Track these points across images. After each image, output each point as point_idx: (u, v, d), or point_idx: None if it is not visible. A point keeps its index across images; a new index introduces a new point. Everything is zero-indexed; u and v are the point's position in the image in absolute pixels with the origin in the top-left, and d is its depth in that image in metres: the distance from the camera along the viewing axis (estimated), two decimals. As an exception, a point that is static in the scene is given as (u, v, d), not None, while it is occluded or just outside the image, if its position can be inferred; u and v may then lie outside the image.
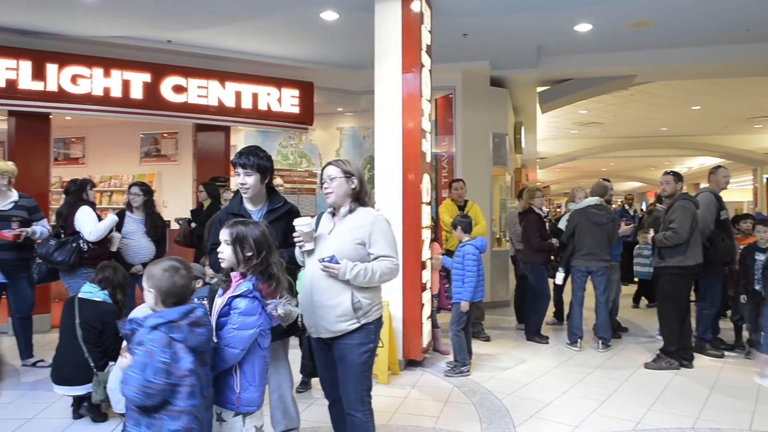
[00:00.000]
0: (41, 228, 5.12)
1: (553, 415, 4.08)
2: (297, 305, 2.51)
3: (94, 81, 6.77)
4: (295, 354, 4.11)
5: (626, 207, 10.78)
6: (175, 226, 7.19)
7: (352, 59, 7.58)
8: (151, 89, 7.09)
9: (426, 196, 5.29)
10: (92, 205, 5.22)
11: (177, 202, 8.58)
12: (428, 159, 5.45)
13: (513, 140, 10.10)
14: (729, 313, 6.22)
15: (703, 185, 6.20)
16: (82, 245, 4.95)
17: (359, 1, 5.54)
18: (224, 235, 2.45)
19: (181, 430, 2.13)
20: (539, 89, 9.60)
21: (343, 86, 8.58)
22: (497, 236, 8.62)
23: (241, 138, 9.33)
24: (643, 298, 8.41)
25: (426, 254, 5.30)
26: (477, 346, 5.74)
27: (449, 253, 5.76)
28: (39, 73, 6.48)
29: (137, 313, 2.79)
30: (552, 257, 6.56)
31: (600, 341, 5.88)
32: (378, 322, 2.88)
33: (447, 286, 5.70)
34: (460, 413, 4.11)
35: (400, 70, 5.13)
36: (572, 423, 3.93)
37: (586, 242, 5.89)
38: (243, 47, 7.26)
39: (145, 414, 2.15)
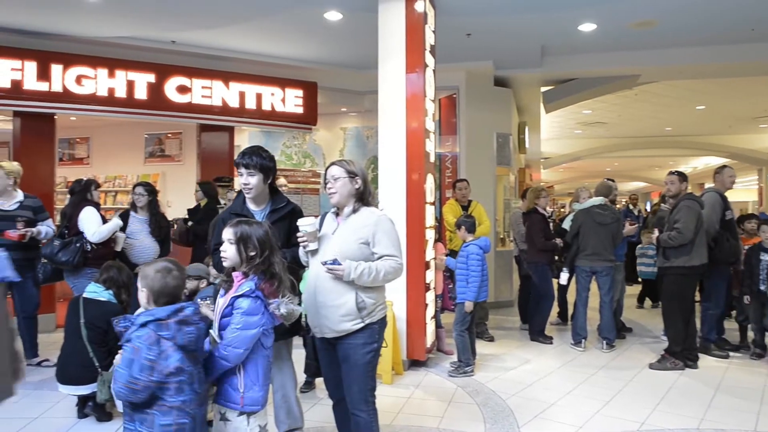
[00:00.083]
0: (46, 228, 5.14)
1: (557, 416, 4.08)
2: (299, 304, 2.51)
3: (99, 81, 6.79)
4: (299, 354, 4.11)
5: (630, 207, 10.75)
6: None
7: (355, 59, 7.59)
8: (156, 89, 7.10)
9: (430, 196, 5.28)
10: (96, 205, 5.24)
11: (181, 202, 8.57)
12: (432, 159, 5.45)
13: (517, 140, 10.09)
14: (734, 313, 6.20)
15: (708, 185, 6.17)
16: (85, 245, 4.97)
17: (363, 2, 5.54)
18: (228, 234, 2.45)
19: (172, 424, 2.18)
20: (543, 89, 9.58)
21: (347, 86, 8.59)
22: (501, 236, 8.61)
23: (245, 138, 9.35)
24: (647, 298, 8.38)
25: (430, 254, 5.30)
26: (481, 346, 5.74)
27: (453, 253, 5.76)
28: (44, 74, 6.51)
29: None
30: (556, 257, 6.55)
31: (604, 341, 5.86)
32: (382, 322, 2.88)
33: (450, 286, 5.70)
34: (464, 413, 4.11)
35: (404, 70, 5.13)
36: (576, 423, 3.92)
37: (590, 242, 5.88)
38: (247, 47, 7.28)
39: (137, 410, 2.20)
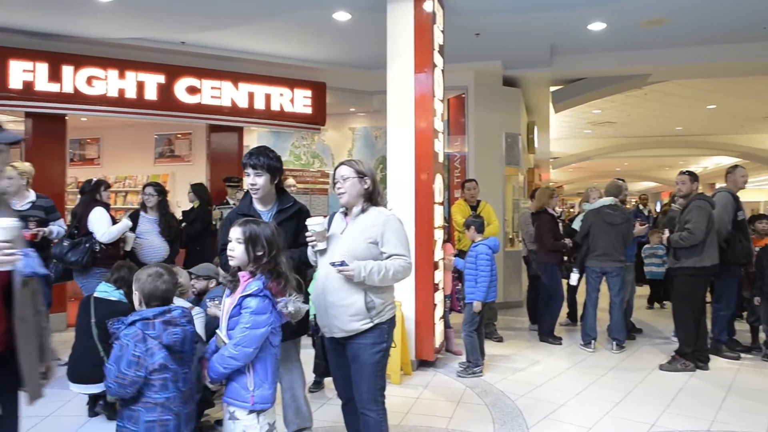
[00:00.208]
0: (58, 228, 5.18)
1: (566, 417, 4.06)
2: (305, 302, 2.52)
3: (109, 82, 6.83)
4: (307, 354, 4.12)
5: (640, 207, 10.69)
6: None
7: (364, 59, 7.59)
8: (165, 90, 7.14)
9: (438, 196, 5.28)
10: (106, 205, 5.28)
11: (190, 203, 8.63)
12: (441, 159, 5.45)
13: (526, 140, 10.06)
14: (745, 314, 6.15)
15: (719, 185, 6.12)
16: (95, 246, 5.01)
17: (371, 2, 5.54)
18: (236, 233, 2.46)
19: (156, 421, 2.29)
20: (552, 89, 9.55)
21: (356, 86, 8.59)
22: (510, 236, 8.59)
23: (254, 138, 9.37)
24: (653, 298, 8.34)
25: (438, 254, 5.29)
26: (490, 346, 5.72)
27: (462, 253, 5.75)
28: (55, 75, 6.56)
29: None
30: (565, 258, 6.52)
31: (614, 342, 5.83)
32: (391, 322, 2.88)
33: (459, 287, 5.69)
34: (473, 414, 4.10)
35: (413, 70, 5.12)
36: (586, 425, 3.90)
37: (600, 243, 5.85)
38: (256, 48, 7.30)
39: (125, 407, 2.32)
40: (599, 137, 16.80)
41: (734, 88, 10.58)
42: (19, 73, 6.40)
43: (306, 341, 3.84)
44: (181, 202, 8.96)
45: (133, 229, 5.33)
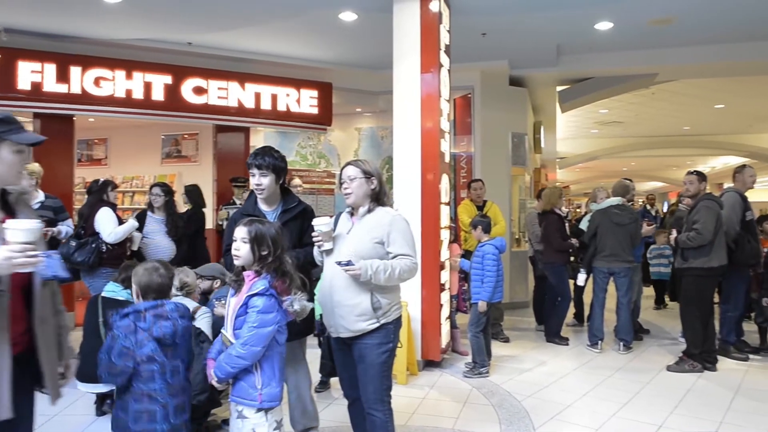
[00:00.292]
0: (66, 228, 5.21)
1: (573, 418, 4.05)
2: (309, 301, 2.54)
3: (117, 83, 6.87)
4: (313, 354, 4.13)
5: (648, 207, 10.64)
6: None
7: (370, 60, 7.59)
8: (172, 91, 7.17)
9: (445, 196, 5.27)
10: (113, 206, 5.30)
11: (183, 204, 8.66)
12: (447, 159, 5.44)
13: (532, 140, 10.03)
14: (753, 315, 6.11)
15: (727, 185, 6.08)
16: (101, 246, 5.03)
17: (378, 2, 5.54)
18: (241, 233, 2.47)
19: (143, 410, 2.42)
20: (559, 88, 9.52)
21: (362, 87, 8.59)
22: (516, 237, 8.56)
23: (260, 139, 9.39)
24: (666, 298, 8.30)
25: (445, 254, 5.29)
26: (496, 347, 5.71)
27: (468, 254, 5.74)
28: (63, 76, 6.60)
29: None
30: (572, 258, 6.50)
31: (621, 343, 5.81)
32: (397, 322, 2.88)
33: (465, 287, 5.68)
34: (479, 414, 4.10)
35: (419, 70, 5.12)
36: (593, 426, 3.89)
37: (608, 243, 5.83)
38: (262, 49, 7.32)
39: (119, 397, 2.48)
40: (606, 137, 16.73)
41: (742, 87, 10.51)
42: (27, 74, 6.44)
43: (312, 341, 3.84)
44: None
45: (140, 228, 5.36)
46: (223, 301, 3.51)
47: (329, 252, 2.87)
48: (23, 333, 1.92)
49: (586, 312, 6.79)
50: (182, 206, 6.73)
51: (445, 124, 5.35)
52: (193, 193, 6.51)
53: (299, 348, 3.36)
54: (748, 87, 10.49)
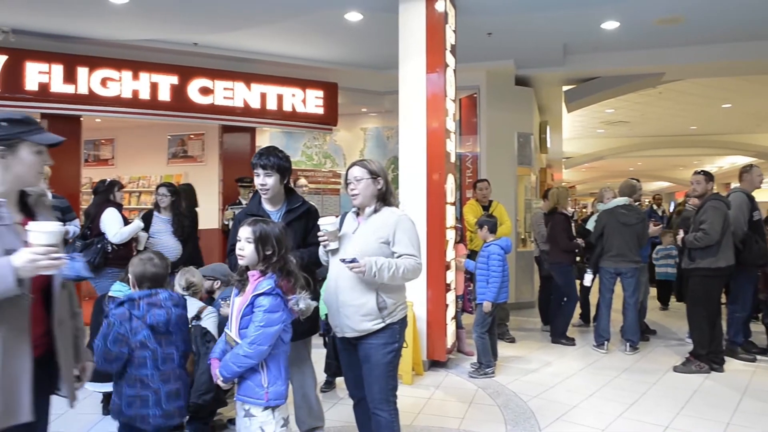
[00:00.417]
0: (74, 228, 5.23)
1: (579, 418, 4.04)
2: (313, 299, 2.55)
3: (123, 84, 6.90)
4: (319, 354, 4.13)
5: (654, 207, 10.60)
6: (202, 225, 7.24)
7: (376, 60, 7.60)
8: (179, 91, 7.20)
9: (450, 196, 5.27)
10: (119, 206, 5.32)
11: (203, 203, 8.67)
12: (452, 159, 5.43)
13: (538, 140, 10.01)
14: (761, 315, 6.07)
15: (734, 185, 6.05)
16: (106, 246, 5.05)
17: (383, 2, 5.54)
18: (246, 233, 2.48)
19: (135, 396, 2.55)
20: (565, 88, 9.49)
21: (367, 87, 8.60)
22: (522, 237, 8.55)
23: (266, 139, 9.41)
24: (673, 299, 8.27)
25: (450, 254, 5.28)
26: (502, 347, 5.69)
27: (474, 254, 5.73)
28: (70, 77, 6.63)
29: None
30: (578, 258, 6.48)
31: (628, 344, 5.78)
32: (403, 322, 2.87)
33: (470, 288, 5.67)
34: (485, 415, 4.09)
35: (425, 70, 5.12)
36: (599, 426, 3.88)
37: (615, 243, 5.80)
38: (268, 49, 7.33)
39: (116, 384, 2.60)
40: (612, 137, 16.67)
41: (750, 86, 10.46)
42: (35, 74, 6.48)
43: (317, 341, 3.85)
44: (193, 203, 9.02)
45: (146, 228, 5.37)
46: (228, 301, 3.52)
47: (335, 252, 2.87)
48: (43, 335, 1.91)
49: (592, 312, 6.77)
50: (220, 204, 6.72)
51: (451, 124, 5.35)
52: (187, 192, 6.52)
53: (304, 348, 3.36)
54: (756, 86, 10.43)
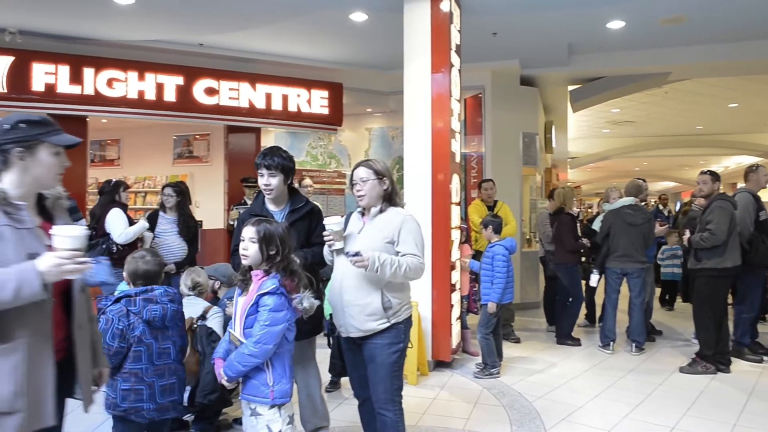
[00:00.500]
0: (80, 228, 5.25)
1: (584, 419, 4.02)
2: (315, 298, 2.56)
3: (129, 84, 6.93)
4: (323, 354, 4.14)
5: (660, 207, 10.56)
6: (207, 225, 7.29)
7: (381, 60, 7.60)
8: (184, 92, 7.22)
9: (455, 196, 5.26)
10: (124, 206, 5.34)
11: (209, 203, 8.71)
12: (457, 159, 5.43)
13: (543, 140, 9.98)
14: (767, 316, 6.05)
15: (740, 185, 6.02)
16: (111, 247, 5.07)
17: (388, 2, 5.54)
18: (249, 233, 2.49)
19: (129, 389, 2.63)
20: (570, 88, 9.46)
21: (372, 87, 8.60)
22: (527, 237, 8.53)
23: (271, 139, 9.43)
24: (679, 299, 8.24)
25: (455, 254, 5.28)
26: (507, 347, 5.68)
27: (478, 254, 5.72)
28: (76, 77, 6.67)
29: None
30: (583, 258, 6.46)
31: (633, 344, 5.76)
32: (408, 322, 2.87)
33: (475, 289, 5.67)
34: (490, 415, 4.08)
35: (430, 70, 5.11)
36: (604, 427, 3.87)
37: (621, 243, 5.78)
38: (273, 49, 7.34)
39: (111, 377, 2.60)
40: (618, 136, 16.61)
41: (757, 86, 10.40)
42: (41, 75, 6.52)
43: (321, 341, 3.85)
44: (199, 203, 9.05)
45: (152, 228, 5.39)
46: (233, 301, 3.53)
47: (340, 252, 2.87)
48: (63, 339, 1.91)
49: (598, 313, 6.74)
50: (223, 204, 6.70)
51: (456, 124, 5.34)
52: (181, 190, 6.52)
53: (308, 348, 3.36)
54: (762, 86, 10.38)
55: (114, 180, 5.50)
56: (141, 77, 6.98)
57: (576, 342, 6.11)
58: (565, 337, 6.16)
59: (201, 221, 7.09)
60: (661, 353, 5.81)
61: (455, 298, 5.26)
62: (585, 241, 6.33)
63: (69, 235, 1.74)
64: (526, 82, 8.46)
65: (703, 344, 5.16)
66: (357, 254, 2.64)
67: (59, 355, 1.88)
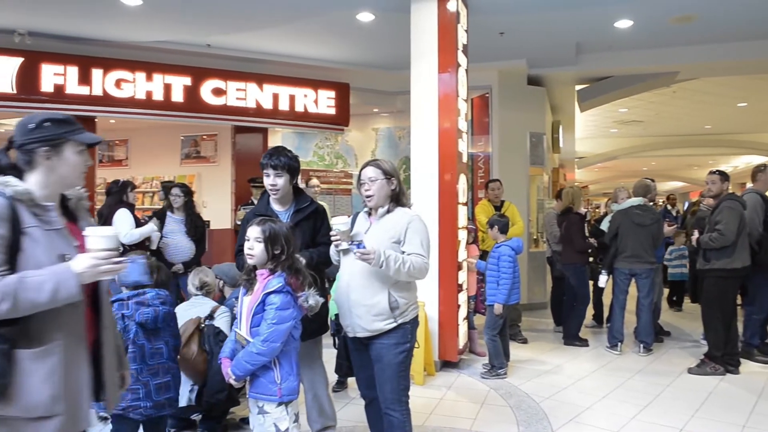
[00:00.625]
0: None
1: (591, 420, 4.01)
2: (320, 296, 2.59)
3: (137, 85, 6.96)
4: (330, 354, 4.14)
5: (668, 207, 10.51)
6: (214, 225, 7.30)
7: (387, 60, 7.60)
8: (192, 92, 7.25)
9: (462, 196, 5.26)
10: (131, 207, 5.37)
11: (216, 203, 8.74)
12: (464, 159, 5.42)
13: (551, 139, 9.96)
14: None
15: (749, 185, 5.97)
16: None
17: (395, 2, 5.54)
18: (255, 232, 2.50)
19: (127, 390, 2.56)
20: (578, 87, 9.43)
21: (379, 87, 8.61)
22: (534, 237, 8.51)
23: (278, 139, 9.44)
24: (686, 299, 8.19)
25: (462, 255, 5.27)
26: (514, 348, 5.67)
27: (485, 254, 5.71)
28: (85, 78, 6.70)
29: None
30: (591, 259, 6.43)
31: (641, 345, 5.74)
32: (414, 322, 2.87)
33: (483, 289, 5.66)
34: (497, 415, 4.08)
35: (437, 70, 5.11)
36: (612, 428, 3.85)
37: (629, 244, 5.75)
38: (280, 50, 7.36)
39: None
40: (626, 136, 16.54)
41: (766, 84, 10.33)
42: (50, 76, 6.56)
43: (327, 340, 3.85)
44: (207, 203, 9.09)
45: (159, 229, 5.42)
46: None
47: (346, 252, 2.87)
48: (94, 342, 1.90)
49: (605, 313, 6.72)
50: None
51: (463, 124, 5.33)
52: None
53: (315, 347, 3.36)
54: (772, 85, 10.31)
55: (121, 180, 5.53)
56: (149, 78, 7.02)
57: (583, 343, 6.09)
58: (572, 337, 6.14)
59: (208, 221, 7.11)
60: (670, 354, 5.78)
61: (462, 298, 5.25)
62: (593, 241, 6.30)
63: (103, 235, 1.74)
64: (534, 81, 8.44)
65: (712, 345, 5.13)
66: (360, 244, 2.67)
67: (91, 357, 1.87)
